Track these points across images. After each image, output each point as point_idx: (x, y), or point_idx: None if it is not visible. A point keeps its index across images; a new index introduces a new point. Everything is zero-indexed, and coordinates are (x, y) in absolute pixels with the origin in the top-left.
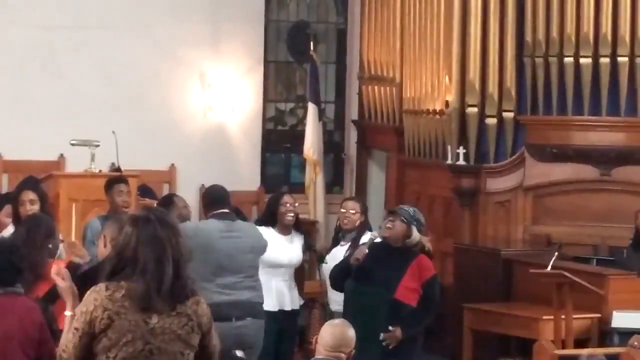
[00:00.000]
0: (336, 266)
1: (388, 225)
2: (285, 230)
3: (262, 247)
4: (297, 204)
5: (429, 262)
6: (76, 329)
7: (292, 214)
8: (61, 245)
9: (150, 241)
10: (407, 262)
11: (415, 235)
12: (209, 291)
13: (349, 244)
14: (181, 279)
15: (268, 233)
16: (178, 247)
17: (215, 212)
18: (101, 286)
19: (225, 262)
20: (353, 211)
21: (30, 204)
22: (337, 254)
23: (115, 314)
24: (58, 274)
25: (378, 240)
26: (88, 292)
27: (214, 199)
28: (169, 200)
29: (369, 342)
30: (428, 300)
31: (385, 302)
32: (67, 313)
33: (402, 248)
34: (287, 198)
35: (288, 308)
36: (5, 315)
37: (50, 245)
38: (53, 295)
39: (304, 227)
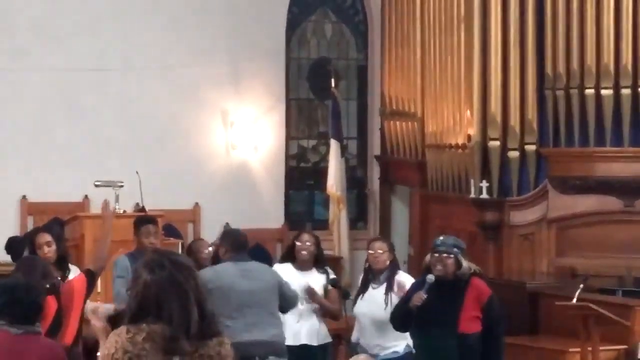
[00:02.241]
0: (396, 308)
1: (438, 266)
2: (303, 266)
3: (278, 282)
4: (313, 243)
5: (482, 284)
6: None
7: (305, 251)
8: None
9: (171, 287)
10: (462, 292)
11: (465, 264)
12: (235, 329)
13: (385, 284)
14: (206, 318)
15: (286, 269)
16: (197, 288)
17: (231, 256)
18: (122, 329)
19: (247, 300)
20: (381, 251)
21: (47, 246)
22: (372, 298)
23: (136, 356)
24: (94, 313)
25: (432, 280)
26: (110, 334)
27: (240, 244)
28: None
29: None
30: (492, 321)
31: (452, 339)
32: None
33: (454, 280)
34: (304, 236)
35: (304, 342)
36: (28, 355)
37: (47, 286)
38: (54, 331)
39: (328, 264)
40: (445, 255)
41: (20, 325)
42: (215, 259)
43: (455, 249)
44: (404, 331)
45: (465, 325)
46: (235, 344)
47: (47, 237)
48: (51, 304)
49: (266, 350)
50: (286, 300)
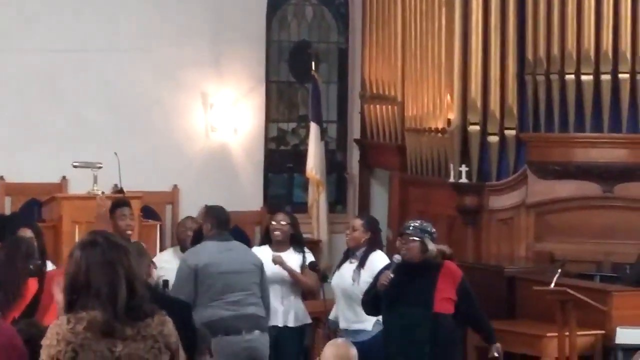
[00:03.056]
0: (365, 294)
1: (403, 250)
2: (278, 246)
3: (260, 264)
4: (288, 223)
5: (454, 266)
6: None
7: (278, 231)
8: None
9: (100, 264)
10: (436, 273)
11: (432, 247)
12: (217, 308)
13: (358, 262)
14: (136, 298)
15: (263, 251)
16: (130, 268)
17: (214, 233)
18: (62, 319)
19: (230, 280)
20: (354, 228)
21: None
22: (345, 272)
23: (79, 346)
24: (58, 285)
25: (400, 261)
26: (50, 326)
27: (223, 221)
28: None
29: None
30: (470, 299)
31: (425, 319)
32: None
33: (424, 263)
34: (279, 216)
35: (280, 324)
36: None
37: (31, 266)
38: (32, 310)
39: (306, 245)
40: (410, 238)
41: None
42: (198, 237)
43: (420, 233)
44: (376, 315)
45: (439, 306)
46: (220, 320)
47: (29, 233)
48: (31, 285)
49: (251, 324)
50: (263, 291)
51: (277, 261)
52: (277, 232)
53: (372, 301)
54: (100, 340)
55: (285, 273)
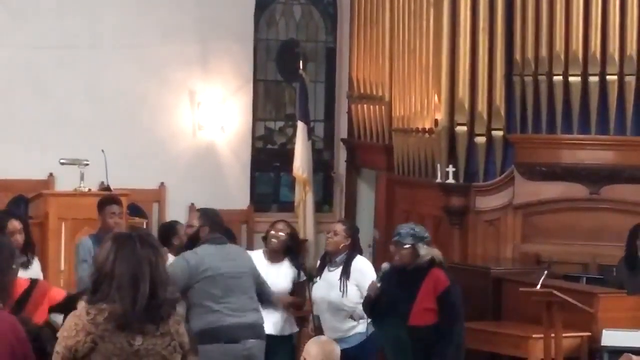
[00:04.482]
0: (365, 305)
1: (396, 257)
2: (272, 255)
3: (255, 269)
4: (287, 233)
5: (441, 275)
6: (57, 352)
7: (275, 239)
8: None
9: (128, 258)
10: (418, 283)
11: (424, 252)
12: (221, 313)
13: (341, 267)
14: (157, 299)
15: (257, 257)
16: (157, 268)
17: (210, 236)
18: (82, 310)
19: (230, 284)
20: (334, 233)
21: (19, 234)
22: (328, 282)
23: (99, 337)
24: None
25: (387, 269)
26: (68, 316)
27: (218, 224)
28: (172, 227)
29: None
30: (445, 313)
31: (404, 332)
32: None
33: (414, 269)
34: (279, 225)
35: (269, 332)
36: None
37: (14, 266)
38: (19, 307)
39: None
40: (400, 245)
41: None
42: (193, 240)
43: (410, 239)
44: (380, 321)
45: (416, 318)
46: (222, 328)
47: (17, 225)
48: (21, 283)
49: (250, 333)
50: (263, 292)
51: (277, 304)
52: (274, 240)
53: (372, 310)
54: (120, 333)
55: (271, 282)
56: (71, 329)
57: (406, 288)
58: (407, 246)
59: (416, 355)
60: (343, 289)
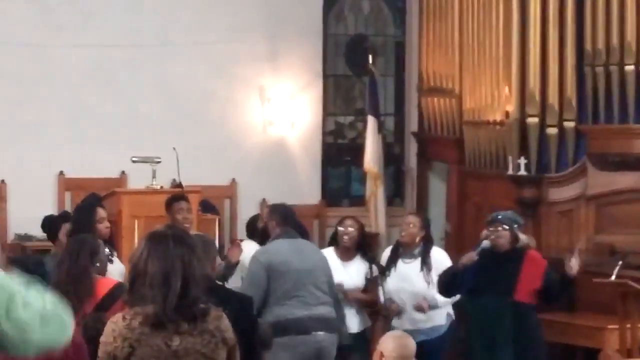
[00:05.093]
0: (443, 274)
1: (492, 236)
2: (344, 253)
3: (327, 267)
4: (356, 228)
5: (538, 255)
6: (99, 357)
7: (347, 236)
8: (119, 264)
9: (161, 256)
10: (520, 263)
11: (523, 237)
12: (290, 307)
13: (419, 259)
14: (189, 298)
15: (329, 255)
16: (190, 266)
17: (282, 231)
18: (118, 316)
19: (302, 278)
20: (412, 225)
21: (107, 221)
22: (406, 274)
23: (135, 341)
24: None
25: (487, 246)
26: (107, 324)
27: (288, 217)
28: (256, 220)
29: (498, 349)
30: (554, 281)
31: (507, 307)
32: None
33: (509, 252)
34: (347, 221)
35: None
36: None
37: (97, 264)
38: (103, 308)
39: (373, 252)
40: (501, 227)
41: None
42: (264, 236)
43: (510, 222)
44: (448, 296)
45: (521, 295)
46: (292, 320)
47: (104, 213)
48: (105, 283)
49: (320, 325)
50: (333, 293)
51: (339, 290)
52: (345, 237)
53: (450, 278)
54: (156, 335)
55: (345, 280)
56: (109, 335)
57: (506, 267)
58: (506, 227)
59: (520, 331)
60: (428, 280)
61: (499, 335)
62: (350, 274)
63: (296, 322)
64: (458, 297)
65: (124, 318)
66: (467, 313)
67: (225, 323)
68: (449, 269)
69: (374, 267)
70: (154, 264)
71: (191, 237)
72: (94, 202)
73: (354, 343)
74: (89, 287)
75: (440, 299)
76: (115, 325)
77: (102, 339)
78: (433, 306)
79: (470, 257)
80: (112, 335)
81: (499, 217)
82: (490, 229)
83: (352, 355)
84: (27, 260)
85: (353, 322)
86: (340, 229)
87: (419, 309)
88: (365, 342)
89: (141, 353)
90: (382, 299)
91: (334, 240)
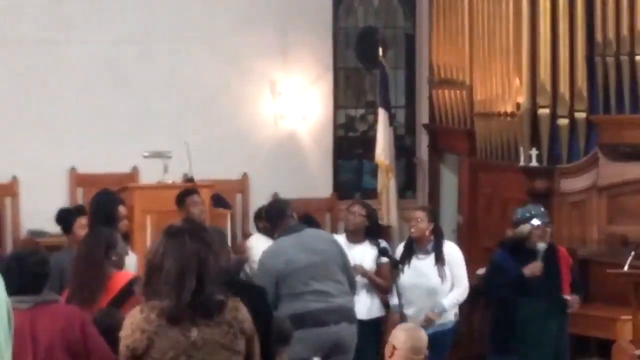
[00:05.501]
0: (510, 281)
1: (539, 234)
2: (351, 237)
3: (339, 248)
4: (363, 214)
5: (565, 251)
6: (120, 351)
7: (351, 222)
8: (133, 258)
9: (176, 252)
10: (557, 260)
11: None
12: (306, 301)
13: (432, 255)
14: (203, 294)
15: (338, 239)
16: (206, 263)
17: (281, 228)
18: (136, 309)
19: (312, 273)
20: (419, 220)
21: (126, 219)
22: (420, 269)
23: (154, 333)
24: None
25: (544, 249)
26: (125, 317)
27: (273, 216)
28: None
29: (541, 348)
30: (578, 275)
31: (556, 306)
32: None
33: (547, 250)
34: (354, 207)
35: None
36: (38, 331)
37: (114, 257)
38: (118, 302)
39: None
40: (545, 225)
41: (28, 297)
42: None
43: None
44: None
45: (565, 291)
46: (307, 313)
47: (124, 210)
48: (121, 277)
49: (339, 316)
50: (350, 277)
51: (359, 271)
52: (350, 219)
53: (515, 289)
54: (173, 327)
55: (354, 264)
56: (128, 328)
57: (548, 266)
58: (550, 225)
59: (560, 323)
60: (442, 275)
61: (546, 335)
62: (359, 257)
63: (312, 315)
64: (464, 298)
65: (141, 311)
66: (511, 314)
67: (244, 313)
68: (516, 277)
69: (382, 252)
70: (169, 261)
71: (208, 232)
72: (116, 200)
73: (362, 330)
74: (102, 281)
75: (447, 303)
76: (133, 318)
77: (121, 333)
78: (442, 312)
79: (539, 267)
80: (131, 328)
81: (539, 215)
82: (537, 226)
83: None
84: (26, 259)
85: (362, 308)
86: (348, 215)
87: (429, 322)
88: (374, 332)
89: (160, 345)
90: (395, 298)
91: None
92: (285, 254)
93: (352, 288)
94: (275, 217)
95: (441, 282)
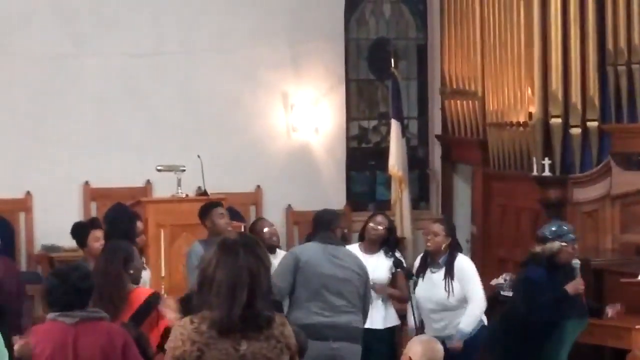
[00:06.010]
0: (551, 299)
1: (571, 251)
2: (368, 247)
3: (365, 272)
4: (385, 226)
5: None
6: None
7: (374, 232)
8: (147, 272)
9: (229, 265)
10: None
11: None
12: (313, 314)
13: (444, 268)
14: (254, 309)
15: (353, 250)
16: (258, 278)
17: (319, 235)
18: (186, 320)
19: (328, 285)
20: (434, 234)
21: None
22: (433, 282)
23: (204, 345)
24: (167, 307)
25: (579, 265)
26: (174, 327)
27: (318, 223)
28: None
29: None
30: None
31: (582, 325)
32: None
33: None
34: (378, 217)
35: (371, 326)
36: (83, 347)
37: (131, 271)
38: (137, 320)
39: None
40: (574, 242)
41: (74, 312)
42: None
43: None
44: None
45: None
46: (307, 326)
47: (142, 226)
48: (141, 294)
49: (340, 334)
50: (365, 306)
51: (379, 292)
52: (373, 232)
53: (558, 307)
54: (224, 339)
55: (374, 276)
56: (177, 339)
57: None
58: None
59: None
60: (449, 289)
61: (567, 353)
62: (375, 267)
63: (313, 328)
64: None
65: (191, 321)
66: (549, 329)
67: (289, 329)
68: (559, 296)
69: (396, 263)
70: (222, 273)
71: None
72: (133, 216)
73: (378, 339)
74: (123, 294)
75: (464, 326)
76: (183, 329)
77: (170, 343)
78: (462, 337)
79: (581, 284)
80: (181, 339)
81: (569, 231)
82: (566, 246)
83: (370, 353)
84: (69, 274)
85: (378, 317)
86: (371, 224)
87: (455, 350)
88: (390, 341)
89: (210, 357)
90: (414, 311)
91: (361, 236)
92: (314, 253)
93: (364, 316)
94: (320, 226)
95: (447, 296)
